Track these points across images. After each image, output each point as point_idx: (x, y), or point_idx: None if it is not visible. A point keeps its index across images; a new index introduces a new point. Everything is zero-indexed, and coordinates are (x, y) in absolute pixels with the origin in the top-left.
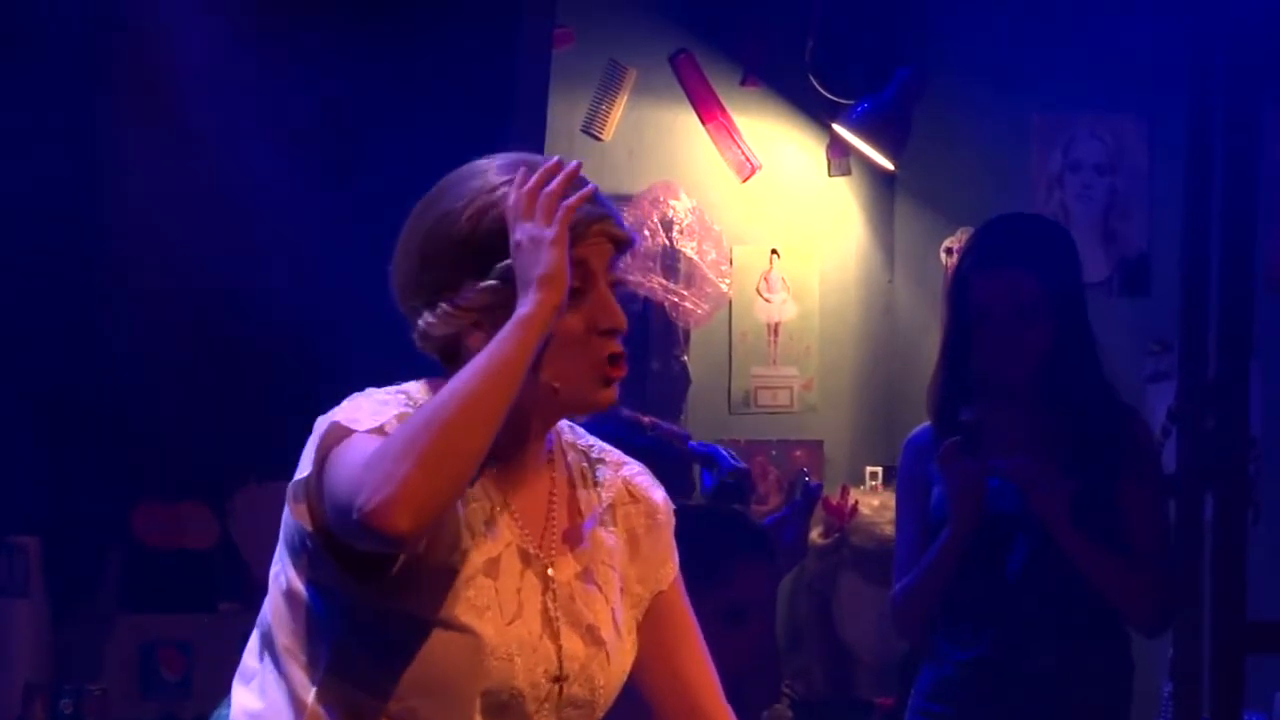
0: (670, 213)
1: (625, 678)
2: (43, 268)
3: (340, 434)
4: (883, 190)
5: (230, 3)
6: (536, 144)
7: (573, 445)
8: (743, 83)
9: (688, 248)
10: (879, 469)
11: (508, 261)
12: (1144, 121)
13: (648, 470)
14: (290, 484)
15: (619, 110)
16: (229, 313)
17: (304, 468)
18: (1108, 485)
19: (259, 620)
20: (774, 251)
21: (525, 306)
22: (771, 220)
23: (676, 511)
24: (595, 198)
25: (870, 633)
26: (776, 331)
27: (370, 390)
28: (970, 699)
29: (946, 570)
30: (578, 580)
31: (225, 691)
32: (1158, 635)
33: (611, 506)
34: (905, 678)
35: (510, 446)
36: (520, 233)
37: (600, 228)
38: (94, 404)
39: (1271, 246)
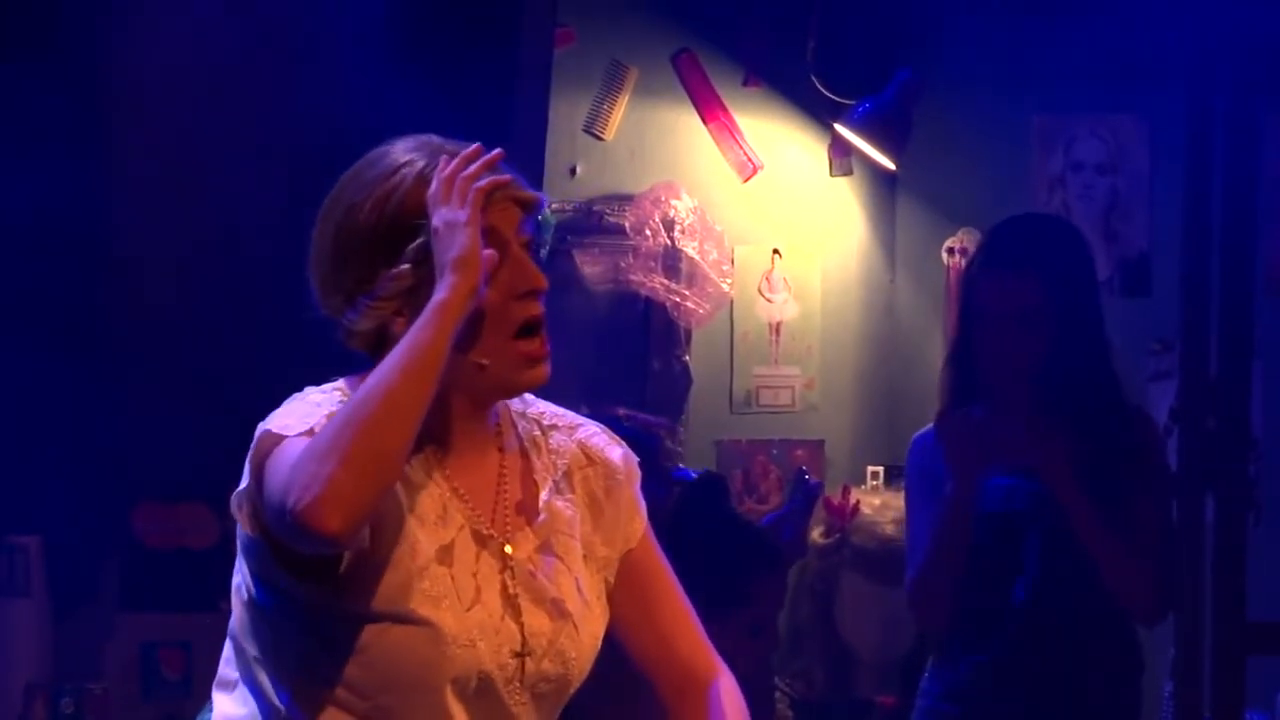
0: (672, 212)
1: (599, 646)
2: (43, 268)
3: (272, 441)
4: (884, 190)
5: (230, 4)
6: (538, 144)
7: (522, 414)
8: (744, 83)
9: (689, 248)
10: (880, 468)
11: (417, 242)
12: (1145, 122)
13: (605, 429)
14: (233, 495)
15: (620, 110)
16: (229, 312)
17: (244, 478)
18: (1113, 484)
19: (229, 631)
20: (775, 251)
21: (441, 292)
22: (773, 220)
23: (715, 530)
24: (498, 165)
25: (871, 632)
26: (778, 331)
27: (307, 390)
28: (983, 699)
29: (955, 540)
30: (537, 554)
31: None
32: (1156, 623)
33: (568, 472)
34: (907, 677)
35: (447, 429)
36: (437, 218)
37: (503, 193)
38: (94, 404)
39: (1272, 247)
